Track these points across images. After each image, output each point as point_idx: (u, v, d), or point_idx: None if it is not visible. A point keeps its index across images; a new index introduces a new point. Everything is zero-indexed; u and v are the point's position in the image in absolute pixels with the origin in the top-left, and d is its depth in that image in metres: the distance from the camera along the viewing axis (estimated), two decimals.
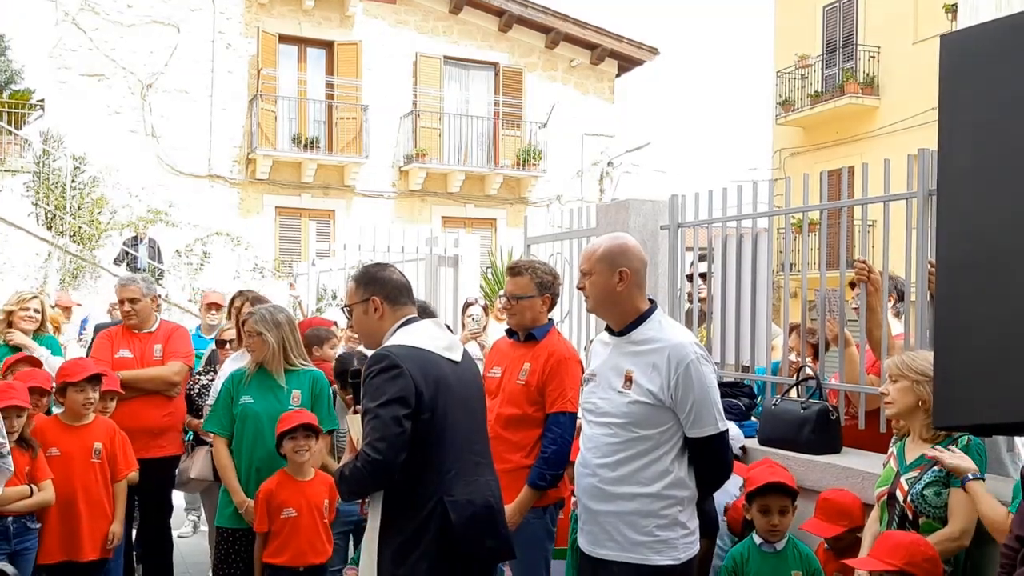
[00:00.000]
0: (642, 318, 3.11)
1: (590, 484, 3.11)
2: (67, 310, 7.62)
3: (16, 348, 5.46)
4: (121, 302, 5.37)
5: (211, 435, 4.62)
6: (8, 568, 4.03)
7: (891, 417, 3.22)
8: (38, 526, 4.33)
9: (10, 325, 5.57)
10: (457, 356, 3.14)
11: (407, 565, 2.94)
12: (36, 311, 5.70)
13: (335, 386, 4.91)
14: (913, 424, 3.19)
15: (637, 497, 3.00)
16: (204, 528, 7.20)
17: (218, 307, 7.25)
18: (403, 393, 2.89)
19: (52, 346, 5.71)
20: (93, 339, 5.97)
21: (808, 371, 4.39)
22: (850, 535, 3.47)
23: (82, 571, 4.48)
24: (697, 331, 5.19)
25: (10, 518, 4.18)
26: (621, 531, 3.01)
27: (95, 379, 4.60)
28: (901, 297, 4.48)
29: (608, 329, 3.22)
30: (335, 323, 7.12)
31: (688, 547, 3.05)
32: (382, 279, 3.17)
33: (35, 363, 5.07)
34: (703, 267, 5.38)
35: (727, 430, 3.08)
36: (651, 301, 3.19)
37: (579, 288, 3.22)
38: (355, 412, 3.31)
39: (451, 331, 3.46)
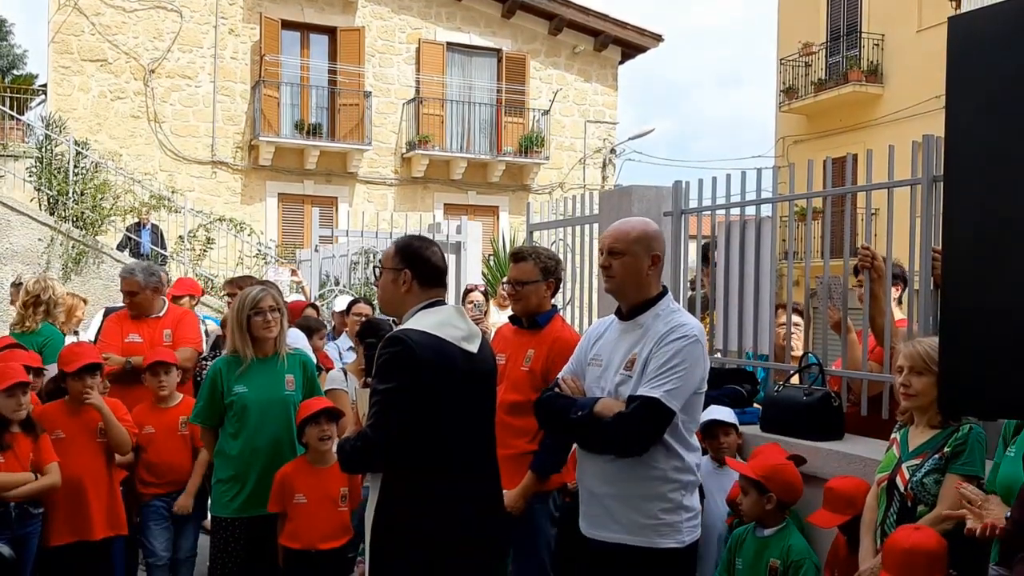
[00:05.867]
0: (650, 303, 3.12)
1: (594, 467, 3.11)
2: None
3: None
4: (123, 292, 5.49)
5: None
6: (4, 549, 4.05)
7: (912, 409, 3.21)
8: (40, 511, 4.35)
9: (47, 313, 5.64)
10: (474, 347, 3.11)
11: (398, 548, 2.96)
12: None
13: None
14: (926, 413, 3.19)
15: (642, 480, 3.00)
16: None
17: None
18: (413, 381, 2.90)
19: (56, 337, 5.70)
20: (103, 323, 6.02)
21: (811, 358, 4.40)
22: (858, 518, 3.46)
23: (92, 551, 4.49)
24: (700, 320, 5.19)
25: (12, 504, 4.19)
26: (626, 514, 3.02)
27: (93, 369, 4.58)
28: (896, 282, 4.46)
29: (617, 312, 3.22)
30: (313, 306, 7.16)
31: (692, 530, 3.06)
32: (422, 258, 3.14)
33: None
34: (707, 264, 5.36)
35: (660, 405, 2.91)
36: (663, 287, 3.20)
37: (603, 267, 3.17)
38: (365, 385, 3.31)
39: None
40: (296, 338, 5.52)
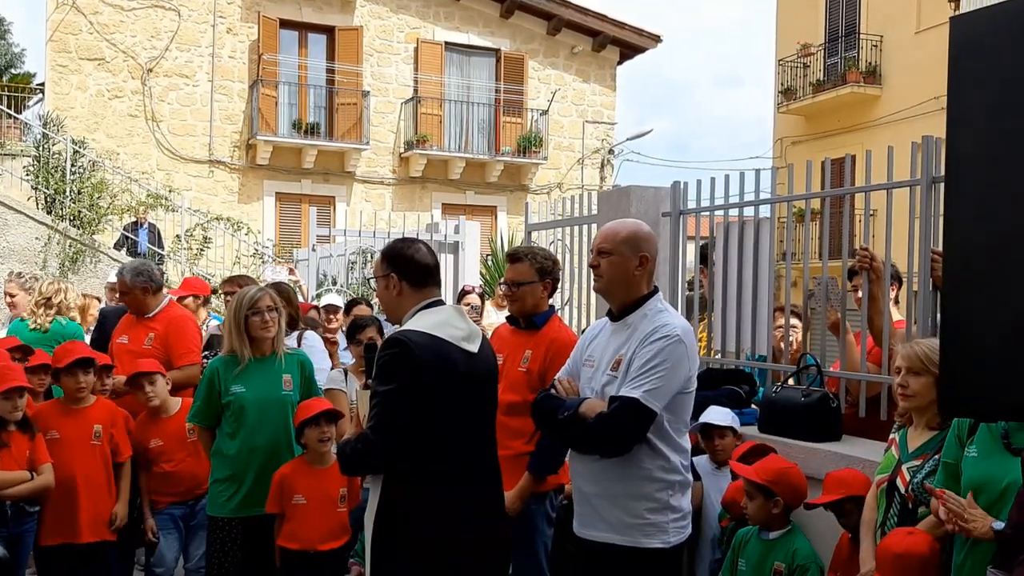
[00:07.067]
0: (639, 302, 3.11)
1: (582, 466, 3.11)
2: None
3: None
4: (118, 292, 5.52)
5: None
6: None
7: (910, 409, 3.20)
8: (36, 509, 4.34)
9: (59, 312, 5.64)
10: (474, 347, 3.10)
11: (398, 550, 2.94)
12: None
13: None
14: (924, 415, 3.18)
15: (627, 480, 2.99)
16: None
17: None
18: (412, 382, 2.89)
19: (77, 334, 5.72)
20: (98, 322, 6.04)
21: (809, 359, 4.39)
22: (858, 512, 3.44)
23: (83, 554, 4.47)
24: (698, 320, 5.19)
25: (8, 502, 4.18)
26: (613, 513, 3.01)
27: (85, 363, 4.58)
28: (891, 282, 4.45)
29: (609, 314, 3.21)
30: (314, 307, 7.15)
31: (679, 531, 3.05)
32: (405, 259, 3.13)
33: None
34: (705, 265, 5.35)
35: (639, 406, 2.89)
36: (654, 287, 3.19)
37: (592, 266, 3.18)
38: (365, 387, 3.30)
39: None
40: (313, 342, 5.50)
